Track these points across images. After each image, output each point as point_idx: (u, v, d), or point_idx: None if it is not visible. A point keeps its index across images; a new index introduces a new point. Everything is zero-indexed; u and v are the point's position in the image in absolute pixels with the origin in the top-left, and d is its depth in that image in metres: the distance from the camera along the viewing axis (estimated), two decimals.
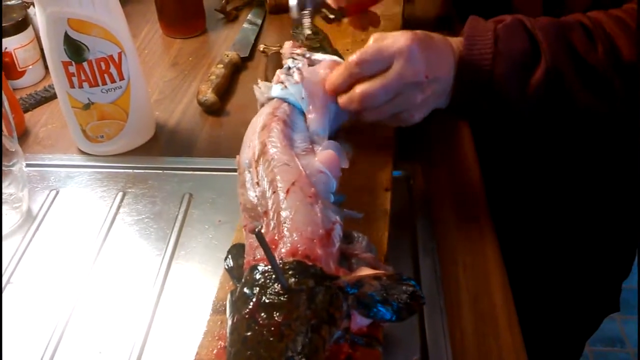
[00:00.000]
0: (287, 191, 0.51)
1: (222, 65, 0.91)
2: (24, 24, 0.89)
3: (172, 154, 0.79)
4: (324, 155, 0.55)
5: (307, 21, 0.78)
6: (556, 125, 0.67)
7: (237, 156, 0.61)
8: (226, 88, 0.90)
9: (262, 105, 0.66)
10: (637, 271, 0.88)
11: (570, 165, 0.78)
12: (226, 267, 0.55)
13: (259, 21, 1.08)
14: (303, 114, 0.63)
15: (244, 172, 0.57)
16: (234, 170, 0.75)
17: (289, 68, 0.66)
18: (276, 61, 0.93)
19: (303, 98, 0.62)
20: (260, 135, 0.58)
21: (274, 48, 0.96)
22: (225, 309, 0.47)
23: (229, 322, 0.44)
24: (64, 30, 0.66)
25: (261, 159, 0.56)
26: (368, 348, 0.46)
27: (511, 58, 0.60)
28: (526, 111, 0.63)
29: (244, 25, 1.07)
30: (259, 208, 0.53)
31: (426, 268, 0.61)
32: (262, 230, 0.50)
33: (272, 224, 0.50)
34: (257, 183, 0.54)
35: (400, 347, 0.55)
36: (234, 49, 0.99)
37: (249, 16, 1.10)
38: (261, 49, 0.98)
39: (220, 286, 0.54)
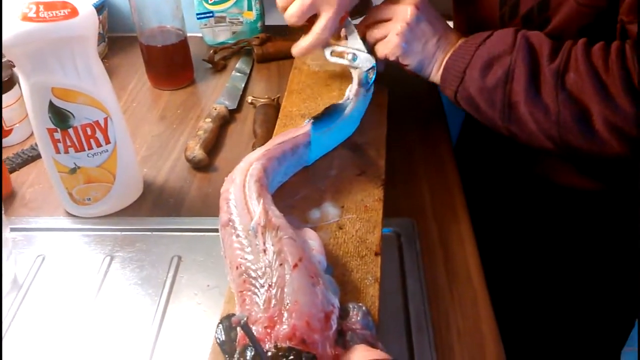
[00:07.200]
0: (294, 266, 0.51)
1: (210, 119, 0.91)
2: (9, 83, 0.88)
3: (160, 214, 0.78)
4: (312, 233, 0.55)
5: None
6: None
7: (221, 215, 0.59)
8: (214, 143, 0.89)
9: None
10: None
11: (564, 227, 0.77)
12: (217, 340, 0.54)
13: (247, 69, 1.09)
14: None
15: (245, 237, 0.56)
16: None
17: None
18: (264, 114, 0.93)
19: None
20: (258, 202, 0.58)
21: (262, 100, 0.96)
22: None
23: None
24: (48, 98, 0.66)
25: (268, 225, 0.55)
26: None
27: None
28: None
29: (232, 73, 1.07)
30: (265, 278, 0.51)
31: (419, 338, 0.61)
32: (261, 307, 0.49)
33: (274, 301, 0.49)
34: (264, 251, 0.53)
35: None
36: (222, 100, 0.99)
37: (238, 64, 1.10)
38: (249, 100, 0.98)
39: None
